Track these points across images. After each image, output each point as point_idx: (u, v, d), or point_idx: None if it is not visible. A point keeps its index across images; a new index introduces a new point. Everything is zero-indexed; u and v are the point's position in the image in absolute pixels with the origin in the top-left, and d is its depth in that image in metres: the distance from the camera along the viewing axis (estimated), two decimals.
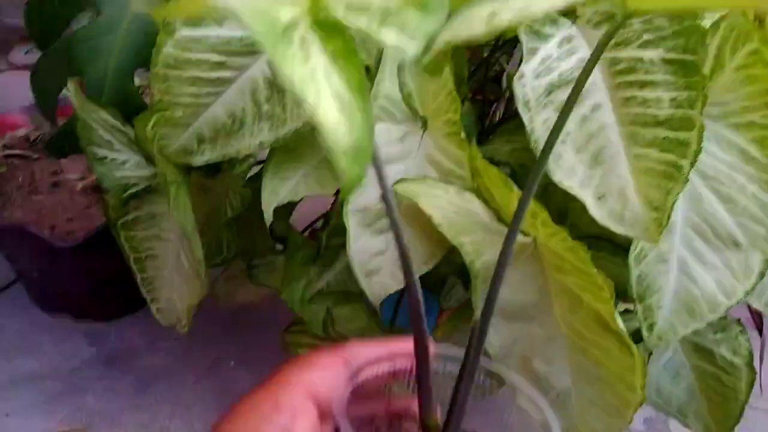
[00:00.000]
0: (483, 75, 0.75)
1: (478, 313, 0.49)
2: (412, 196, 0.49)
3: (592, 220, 0.53)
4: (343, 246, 0.59)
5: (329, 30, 0.23)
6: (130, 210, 0.62)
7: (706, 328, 0.59)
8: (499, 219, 0.49)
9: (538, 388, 0.50)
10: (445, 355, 0.34)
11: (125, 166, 0.56)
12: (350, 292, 0.62)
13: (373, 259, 0.52)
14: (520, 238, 0.49)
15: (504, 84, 0.81)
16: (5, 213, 0.83)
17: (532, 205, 0.44)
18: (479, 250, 0.48)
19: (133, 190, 0.57)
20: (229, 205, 0.59)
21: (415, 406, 0.33)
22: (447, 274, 0.59)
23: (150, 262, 0.65)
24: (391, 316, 0.69)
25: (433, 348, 0.32)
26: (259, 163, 0.64)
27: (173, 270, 0.65)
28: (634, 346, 0.43)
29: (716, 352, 0.59)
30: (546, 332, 0.49)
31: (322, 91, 0.22)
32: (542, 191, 0.46)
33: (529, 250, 0.49)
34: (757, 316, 0.62)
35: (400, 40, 0.21)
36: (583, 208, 0.56)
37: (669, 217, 0.45)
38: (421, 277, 0.63)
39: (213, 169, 0.61)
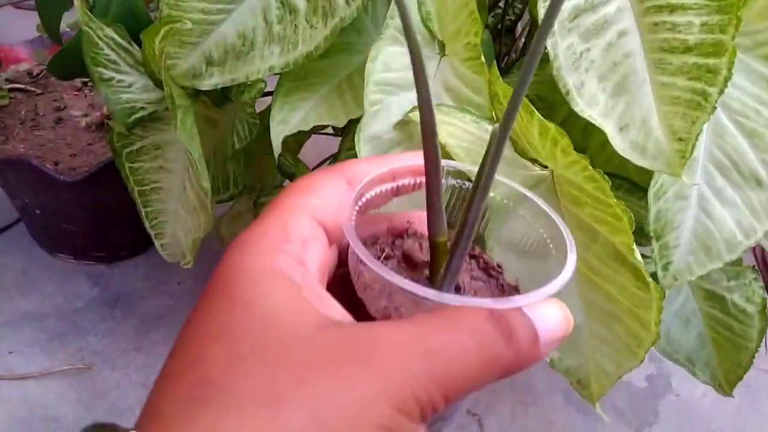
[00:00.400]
0: (498, 22, 0.73)
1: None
2: None
3: (610, 158, 0.51)
4: None
5: None
6: (136, 139, 0.61)
7: (719, 275, 0.58)
8: (516, 149, 0.47)
9: None
10: (455, 168, 0.31)
11: (131, 88, 0.54)
12: None
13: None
14: (537, 170, 0.48)
15: (519, 30, 0.79)
16: (7, 146, 0.81)
17: (554, 131, 0.42)
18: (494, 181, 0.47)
19: (138, 114, 0.55)
20: (236, 136, 0.58)
21: (417, 222, 0.30)
22: None
23: (154, 195, 0.64)
24: None
25: (443, 162, 0.29)
26: (267, 94, 0.62)
27: (178, 203, 0.64)
28: (650, 280, 0.42)
29: (728, 299, 0.58)
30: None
31: None
32: (560, 126, 0.45)
33: (546, 183, 0.47)
34: (763, 266, 0.61)
35: None
36: (601, 145, 0.54)
37: (693, 149, 0.43)
38: None
39: (220, 98, 0.59)
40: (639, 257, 0.42)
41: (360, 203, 0.28)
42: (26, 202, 0.86)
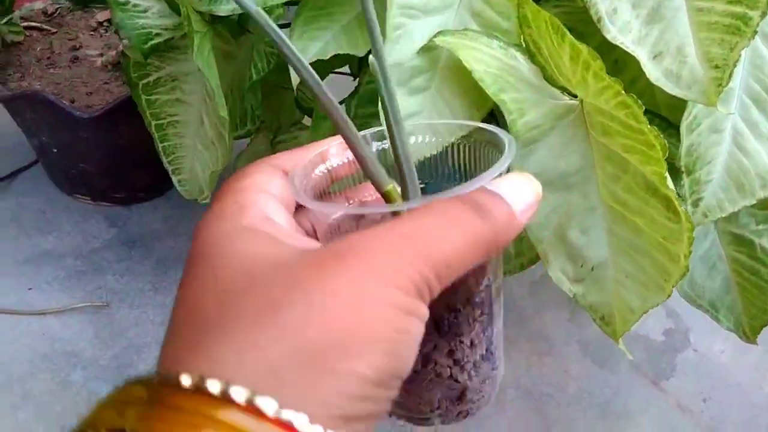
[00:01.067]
0: None
1: None
2: (452, 49, 0.45)
3: (641, 93, 0.49)
4: (372, 116, 0.56)
5: None
6: (152, 70, 0.59)
7: (748, 218, 0.56)
8: (545, 77, 0.46)
9: (571, 260, 0.48)
10: (376, 132, 0.32)
11: (147, 13, 0.53)
12: None
13: (407, 120, 0.49)
14: (566, 100, 0.46)
15: None
16: (23, 83, 0.80)
17: (586, 55, 0.41)
18: (522, 108, 0.45)
19: (155, 41, 0.54)
20: (254, 68, 0.56)
21: (362, 196, 0.31)
22: None
23: (172, 128, 0.63)
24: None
25: (363, 132, 0.30)
26: (285, 26, 0.61)
27: (195, 137, 0.63)
28: (682, 209, 0.40)
29: (757, 243, 0.56)
30: (586, 202, 0.46)
31: None
32: None
33: (575, 113, 0.46)
34: None
35: None
36: (631, 80, 0.52)
37: (730, 77, 0.41)
38: None
39: (237, 28, 0.57)
40: (671, 186, 0.40)
41: (303, 184, 0.28)
42: (43, 141, 0.86)
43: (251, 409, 0.18)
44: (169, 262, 0.89)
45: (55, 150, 0.86)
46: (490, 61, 0.45)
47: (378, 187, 0.28)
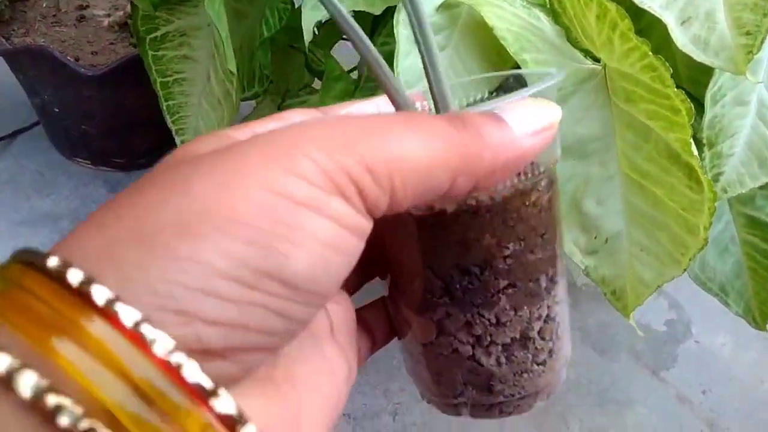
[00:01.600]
0: None
1: None
2: (474, 5, 0.44)
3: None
4: None
5: None
6: (161, 23, 0.58)
7: (764, 200, 0.55)
8: (569, 38, 0.44)
9: (585, 231, 0.47)
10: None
11: None
12: None
13: (422, 79, 0.48)
14: (589, 64, 0.45)
15: None
16: (28, 39, 0.79)
17: (614, 13, 0.39)
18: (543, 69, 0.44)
19: None
20: (266, 24, 0.55)
21: None
22: None
23: (177, 86, 0.62)
24: None
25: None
26: None
27: (201, 95, 0.61)
28: (705, 178, 0.39)
29: None
30: (603, 171, 0.45)
31: None
32: None
33: (598, 78, 0.44)
34: None
35: None
36: (655, 49, 0.51)
37: (762, 44, 0.40)
38: None
39: None
40: (695, 152, 0.39)
41: None
42: (45, 100, 0.84)
43: (108, 313, 0.15)
44: None
45: (57, 109, 0.84)
46: (512, 19, 0.43)
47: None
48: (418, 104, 0.28)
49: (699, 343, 0.91)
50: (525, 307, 0.25)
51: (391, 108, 0.25)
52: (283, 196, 0.17)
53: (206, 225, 0.16)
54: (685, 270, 0.43)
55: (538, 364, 0.25)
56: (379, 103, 0.27)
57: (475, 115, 0.21)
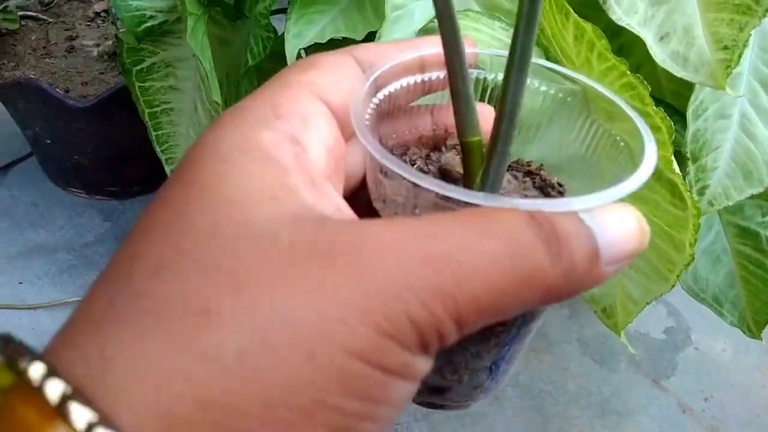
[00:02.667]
0: None
1: None
2: None
3: (646, 79, 0.48)
4: None
5: None
6: (146, 55, 0.58)
7: (754, 210, 0.55)
8: (548, 59, 0.44)
9: None
10: (489, 54, 0.25)
11: None
12: None
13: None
14: (567, 84, 0.45)
15: None
16: (17, 72, 0.79)
17: (591, 34, 0.39)
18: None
19: (148, 23, 0.53)
20: (250, 53, 0.55)
21: (443, 123, 0.24)
22: None
23: (165, 116, 0.62)
24: None
25: (470, 46, 0.22)
26: (280, 11, 0.60)
27: (189, 125, 0.62)
28: (688, 195, 0.39)
29: (763, 235, 0.55)
30: (587, 189, 0.45)
31: None
32: None
33: (577, 98, 0.44)
34: None
35: None
36: (636, 67, 0.51)
37: (739, 59, 0.40)
38: None
39: (233, 11, 0.56)
40: (677, 170, 0.39)
41: (378, 99, 0.22)
42: (37, 132, 0.84)
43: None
44: None
45: (49, 141, 0.85)
46: (491, 42, 0.44)
47: (461, 133, 0.22)
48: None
49: (699, 350, 0.91)
50: (508, 346, 0.24)
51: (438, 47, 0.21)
52: (363, 359, 0.14)
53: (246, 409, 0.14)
54: (673, 286, 0.43)
55: (493, 381, 0.25)
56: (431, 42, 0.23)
57: (577, 237, 0.17)
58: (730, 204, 0.45)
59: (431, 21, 0.45)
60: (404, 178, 0.18)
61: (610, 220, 0.18)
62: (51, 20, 0.90)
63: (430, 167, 0.25)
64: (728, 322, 0.59)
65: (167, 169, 0.66)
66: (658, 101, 0.51)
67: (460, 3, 0.46)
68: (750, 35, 0.39)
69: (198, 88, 0.58)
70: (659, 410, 0.82)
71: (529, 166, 0.27)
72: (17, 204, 0.92)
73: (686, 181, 0.46)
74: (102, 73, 0.83)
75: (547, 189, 0.26)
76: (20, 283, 0.82)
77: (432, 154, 0.25)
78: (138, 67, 0.59)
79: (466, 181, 0.23)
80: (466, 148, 0.22)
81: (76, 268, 0.85)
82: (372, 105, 0.21)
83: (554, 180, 0.27)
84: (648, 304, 0.44)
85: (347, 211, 0.19)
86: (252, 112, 0.19)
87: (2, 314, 0.77)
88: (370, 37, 0.52)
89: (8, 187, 0.94)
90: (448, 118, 0.24)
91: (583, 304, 0.93)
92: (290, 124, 0.19)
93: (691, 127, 0.45)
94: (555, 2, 0.40)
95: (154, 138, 0.63)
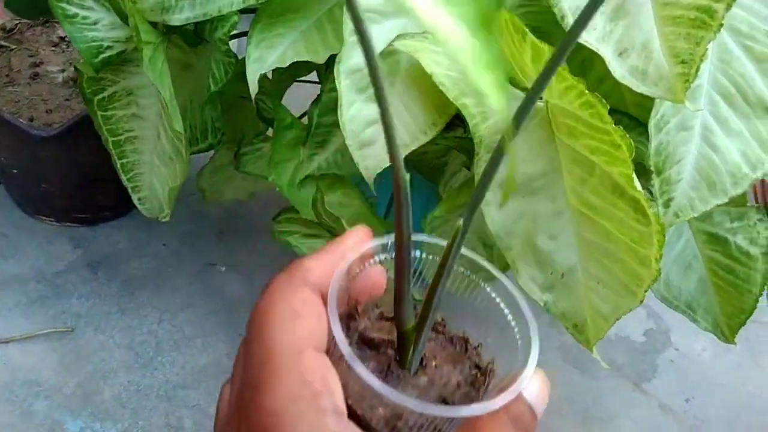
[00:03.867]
0: None
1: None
2: (411, 52, 0.44)
3: (608, 94, 0.48)
4: (336, 125, 0.55)
5: None
6: (107, 84, 0.57)
7: (722, 216, 0.55)
8: (509, 79, 0.44)
9: (541, 267, 0.47)
10: (426, 242, 0.30)
11: (97, 25, 0.51)
12: (344, 177, 0.58)
13: (368, 128, 0.48)
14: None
15: None
16: None
17: (547, 55, 0.39)
18: (485, 112, 0.44)
19: (106, 54, 0.52)
20: (212, 78, 0.54)
21: (367, 299, 0.30)
22: (448, 150, 0.55)
23: (129, 145, 0.61)
24: (387, 208, 0.65)
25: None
26: (241, 35, 0.59)
27: (153, 153, 0.61)
28: (651, 212, 0.39)
29: (731, 241, 0.55)
30: (553, 206, 0.45)
31: None
32: None
33: (540, 115, 0.44)
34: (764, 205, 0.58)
35: None
36: (598, 80, 0.51)
37: (697, 72, 0.40)
38: (418, 161, 0.59)
39: (193, 37, 0.56)
40: (639, 187, 0.39)
41: (337, 291, 0.27)
42: (2, 162, 0.83)
43: None
44: (135, 282, 0.86)
45: (16, 171, 0.83)
46: (451, 64, 0.44)
47: (399, 325, 0.27)
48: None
49: (679, 351, 0.91)
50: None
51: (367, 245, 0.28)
52: None
53: None
54: (641, 301, 0.43)
55: None
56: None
57: (531, 417, 0.26)
58: (696, 215, 0.45)
59: (390, 45, 0.45)
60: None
61: (535, 389, 0.26)
62: (14, 47, 0.88)
63: (351, 335, 0.30)
64: (702, 328, 0.59)
65: (134, 197, 0.65)
66: (621, 114, 0.51)
67: (419, 26, 0.46)
68: (707, 49, 0.40)
69: (160, 116, 0.57)
70: (641, 413, 0.82)
71: (437, 324, 0.31)
72: None
73: (652, 193, 0.46)
74: (67, 100, 0.81)
75: (456, 344, 0.30)
76: None
77: (350, 323, 0.30)
78: (99, 96, 0.58)
79: (400, 352, 0.28)
80: (401, 334, 0.27)
81: (47, 298, 0.83)
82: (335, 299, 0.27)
83: (460, 334, 0.31)
84: (618, 319, 0.44)
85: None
86: (287, 319, 0.25)
87: None
88: (332, 60, 0.51)
89: None
90: (361, 293, 0.30)
91: None
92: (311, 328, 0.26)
93: (654, 141, 0.45)
94: (512, 24, 0.40)
95: (119, 166, 0.62)
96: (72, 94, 0.83)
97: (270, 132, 0.65)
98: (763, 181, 0.51)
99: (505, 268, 0.59)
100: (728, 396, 0.86)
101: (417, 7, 0.16)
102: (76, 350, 0.77)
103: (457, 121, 0.56)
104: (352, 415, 0.26)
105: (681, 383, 0.87)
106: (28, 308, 0.81)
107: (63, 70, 0.86)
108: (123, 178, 0.63)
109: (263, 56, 0.52)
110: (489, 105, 0.43)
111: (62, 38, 0.92)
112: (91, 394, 0.72)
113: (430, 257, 0.30)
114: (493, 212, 0.46)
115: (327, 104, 0.54)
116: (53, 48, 0.91)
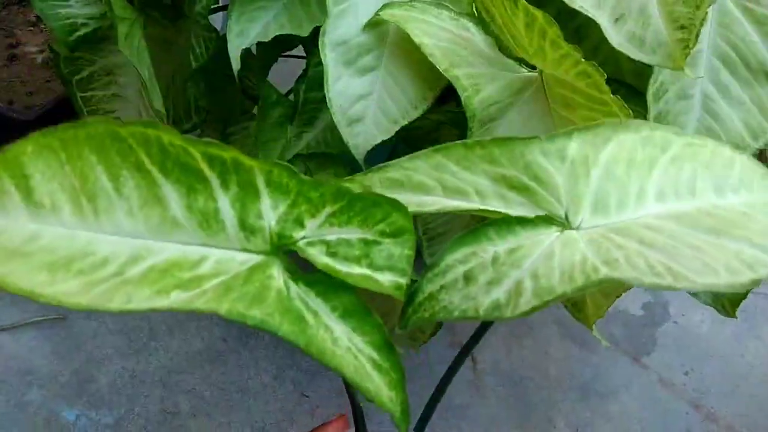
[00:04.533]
0: None
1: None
2: (399, 22, 0.42)
3: (604, 62, 0.46)
4: (324, 101, 0.53)
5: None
6: (84, 64, 0.55)
7: None
8: (501, 47, 0.42)
9: None
10: None
11: (70, 2, 0.49)
12: (332, 155, 0.56)
13: (356, 103, 0.46)
14: (524, 72, 0.43)
15: None
16: None
17: (541, 21, 0.37)
18: (477, 84, 0.42)
19: (81, 32, 0.50)
20: (193, 55, 0.52)
21: None
22: (439, 125, 0.53)
23: None
24: None
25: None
26: (221, 9, 0.57)
27: None
28: None
29: None
30: None
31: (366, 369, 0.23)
32: None
33: (535, 86, 0.43)
34: None
35: None
36: (594, 48, 0.49)
37: (697, 38, 0.38)
38: (409, 136, 0.57)
39: (172, 12, 0.53)
40: None
41: None
42: None
43: None
44: None
45: None
46: (440, 33, 0.42)
47: None
48: None
49: (677, 324, 0.91)
50: None
51: None
52: None
53: None
54: None
55: None
56: None
57: None
58: None
59: (376, 14, 0.43)
60: None
61: None
62: None
63: None
64: (702, 301, 0.58)
65: None
66: (619, 83, 0.49)
67: None
68: (707, 13, 0.38)
69: (140, 95, 0.55)
70: (641, 388, 0.82)
71: None
72: None
73: None
74: (48, 81, 0.79)
75: None
76: None
77: None
78: (77, 77, 0.56)
79: None
80: None
81: None
82: None
83: None
84: (618, 297, 0.43)
85: None
86: None
87: None
88: (316, 33, 0.49)
89: None
90: None
91: None
92: None
93: (653, 110, 0.43)
94: None
95: None
96: (52, 75, 0.81)
97: (256, 110, 0.63)
98: (761, 151, 0.50)
99: None
100: (727, 367, 0.86)
101: None
102: (68, 338, 0.76)
103: (449, 95, 0.54)
104: None
105: (680, 356, 0.86)
106: (17, 296, 0.80)
107: (42, 51, 0.84)
108: None
109: (245, 30, 0.50)
110: None
111: (39, 18, 0.90)
112: (85, 381, 0.71)
113: None
114: None
115: (314, 79, 0.52)
116: (31, 28, 0.89)
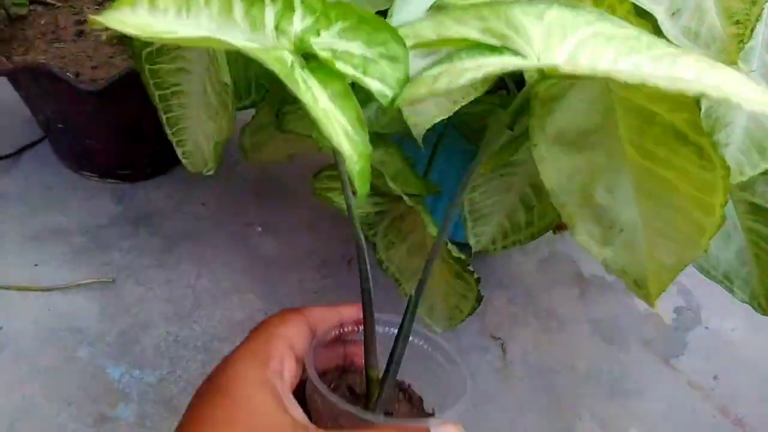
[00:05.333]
0: None
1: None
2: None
3: None
4: None
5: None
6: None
7: (765, 186, 0.55)
8: None
9: (599, 222, 0.46)
10: (386, 320, 0.43)
11: None
12: (384, 135, 0.59)
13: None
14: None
15: None
16: (28, 57, 0.79)
17: None
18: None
19: None
20: None
21: (361, 361, 0.42)
22: (488, 112, 0.55)
23: (175, 99, 0.62)
24: (425, 168, 0.65)
25: (376, 315, 0.40)
26: None
27: (199, 107, 0.62)
28: (716, 156, 0.38)
29: None
30: (610, 160, 0.45)
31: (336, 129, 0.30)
32: None
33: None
34: None
35: None
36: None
37: (752, 32, 0.40)
38: (459, 121, 0.59)
39: None
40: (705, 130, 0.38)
41: (315, 339, 0.41)
42: (49, 117, 0.85)
43: None
44: (175, 239, 0.88)
45: (61, 125, 0.85)
46: (480, 37, 0.43)
47: (366, 366, 0.40)
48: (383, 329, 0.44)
49: (709, 329, 0.91)
50: None
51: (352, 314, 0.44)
52: None
53: None
54: (705, 250, 0.42)
55: None
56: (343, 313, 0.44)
57: None
58: (744, 180, 0.45)
59: None
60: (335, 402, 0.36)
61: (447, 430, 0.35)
62: (59, 5, 0.90)
63: (342, 383, 0.43)
64: (739, 299, 0.59)
65: (178, 151, 0.66)
66: None
67: None
68: (763, 9, 0.39)
69: (207, 70, 0.58)
70: (669, 389, 0.82)
71: (403, 384, 0.45)
72: (31, 188, 0.92)
73: None
74: (111, 57, 0.83)
75: (413, 401, 0.44)
76: (35, 265, 0.83)
77: (343, 374, 0.44)
78: (147, 50, 0.59)
79: (367, 396, 0.41)
80: (368, 378, 0.41)
81: (89, 251, 0.85)
82: (314, 345, 0.41)
83: (417, 395, 0.44)
84: (682, 270, 0.43)
85: (305, 418, 0.36)
86: (258, 355, 0.37)
87: (18, 296, 0.78)
88: (383, 15, 0.52)
89: (22, 171, 0.94)
90: (356, 355, 0.45)
91: (592, 283, 0.93)
92: (276, 363, 0.37)
93: (704, 105, 0.44)
94: None
95: (164, 120, 0.64)
96: (115, 51, 0.85)
97: None
98: None
99: (545, 229, 0.59)
100: (757, 375, 0.86)
101: None
102: (116, 301, 0.79)
103: (501, 84, 0.56)
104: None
105: (710, 361, 0.87)
106: (71, 259, 0.84)
107: (106, 29, 0.87)
108: (168, 132, 0.64)
109: None
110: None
111: None
112: (131, 342, 0.75)
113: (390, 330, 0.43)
114: (549, 168, 0.46)
115: None
116: (97, 7, 0.93)
